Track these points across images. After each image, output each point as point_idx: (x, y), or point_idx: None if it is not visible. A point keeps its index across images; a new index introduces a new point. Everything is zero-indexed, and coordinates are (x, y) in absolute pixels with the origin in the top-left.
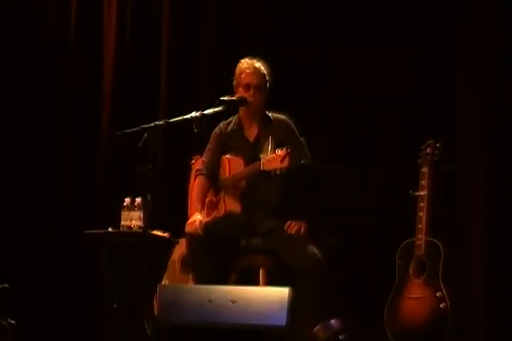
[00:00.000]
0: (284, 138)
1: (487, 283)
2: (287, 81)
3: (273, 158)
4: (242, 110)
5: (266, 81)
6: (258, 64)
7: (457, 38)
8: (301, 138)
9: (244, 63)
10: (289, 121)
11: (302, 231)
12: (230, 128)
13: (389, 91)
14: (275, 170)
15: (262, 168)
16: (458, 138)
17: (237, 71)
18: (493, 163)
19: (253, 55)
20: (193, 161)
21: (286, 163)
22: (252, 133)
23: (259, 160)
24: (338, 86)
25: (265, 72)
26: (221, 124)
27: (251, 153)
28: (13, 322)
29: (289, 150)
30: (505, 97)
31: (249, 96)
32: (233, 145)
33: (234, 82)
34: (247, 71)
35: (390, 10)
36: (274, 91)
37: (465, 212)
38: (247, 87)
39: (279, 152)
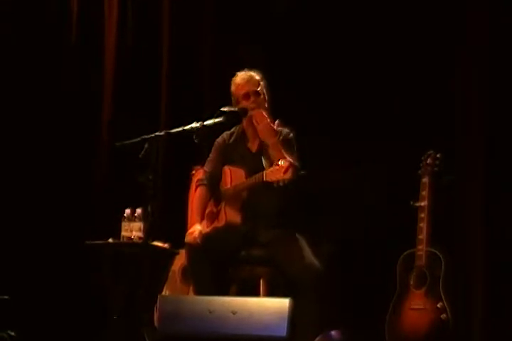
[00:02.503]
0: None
1: (488, 294)
2: (286, 86)
3: (276, 169)
4: (245, 121)
5: (262, 86)
6: (250, 72)
7: (456, 48)
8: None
9: (237, 77)
10: (291, 135)
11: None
12: (232, 138)
13: (390, 101)
14: (278, 181)
15: (265, 179)
16: (459, 148)
17: (233, 87)
18: (494, 173)
19: (254, 62)
20: (194, 172)
21: (289, 174)
22: (254, 144)
23: (262, 170)
24: (339, 94)
25: (259, 78)
26: (224, 134)
27: (253, 163)
28: (12, 333)
29: (291, 161)
30: (506, 106)
31: (250, 103)
32: (235, 156)
33: (232, 99)
34: (242, 82)
35: (390, 19)
36: (273, 96)
37: (466, 223)
38: (247, 96)
39: (283, 163)
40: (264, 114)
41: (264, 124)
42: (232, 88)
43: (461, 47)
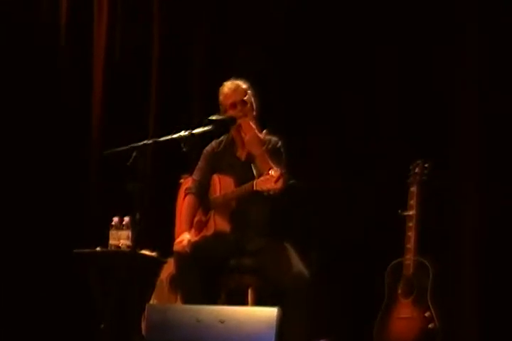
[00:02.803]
0: (269, 157)
1: (476, 303)
2: (277, 96)
3: (267, 178)
4: (233, 129)
5: (249, 95)
6: (236, 82)
7: (452, 58)
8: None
9: (224, 87)
10: (280, 144)
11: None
12: (221, 147)
13: (380, 109)
14: (269, 190)
15: (255, 188)
16: (451, 156)
17: (221, 96)
18: (486, 181)
19: (245, 71)
20: (182, 180)
21: (280, 184)
22: (243, 152)
23: (251, 179)
24: (330, 103)
25: (245, 87)
26: (213, 143)
27: (242, 172)
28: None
29: (283, 171)
30: (498, 113)
31: (237, 113)
32: (224, 164)
33: (221, 108)
34: (229, 91)
35: (386, 22)
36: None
37: (455, 231)
38: (233, 105)
39: (273, 173)
40: (251, 124)
41: (251, 135)
42: (220, 98)
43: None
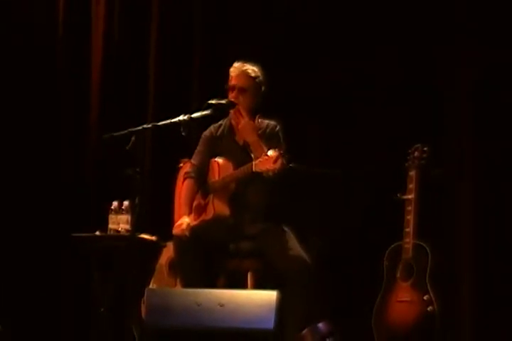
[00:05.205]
0: (266, 142)
1: (475, 286)
2: (276, 83)
3: (265, 159)
4: (232, 114)
5: (254, 84)
6: (246, 67)
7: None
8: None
9: (232, 67)
10: (278, 128)
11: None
12: (220, 131)
13: (378, 93)
14: (267, 171)
15: (254, 170)
16: (447, 140)
17: (229, 75)
18: (483, 166)
19: (243, 57)
20: (181, 164)
21: (278, 164)
22: (241, 136)
23: (250, 162)
24: (326, 87)
25: (253, 75)
26: (212, 127)
27: (241, 156)
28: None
29: (281, 151)
30: (493, 100)
31: (232, 98)
32: (223, 148)
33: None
34: (233, 74)
35: (382, 29)
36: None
37: (453, 215)
38: (232, 88)
39: (272, 153)
40: (242, 113)
41: (243, 123)
42: (229, 76)
43: (447, 46)
